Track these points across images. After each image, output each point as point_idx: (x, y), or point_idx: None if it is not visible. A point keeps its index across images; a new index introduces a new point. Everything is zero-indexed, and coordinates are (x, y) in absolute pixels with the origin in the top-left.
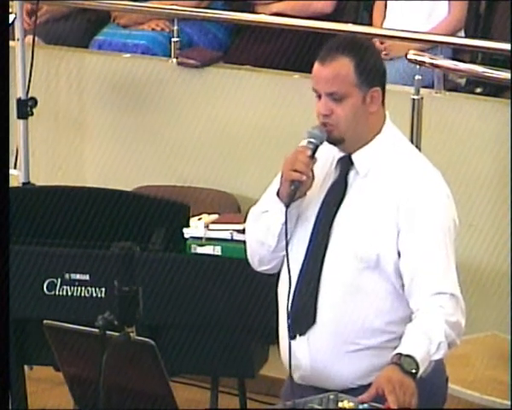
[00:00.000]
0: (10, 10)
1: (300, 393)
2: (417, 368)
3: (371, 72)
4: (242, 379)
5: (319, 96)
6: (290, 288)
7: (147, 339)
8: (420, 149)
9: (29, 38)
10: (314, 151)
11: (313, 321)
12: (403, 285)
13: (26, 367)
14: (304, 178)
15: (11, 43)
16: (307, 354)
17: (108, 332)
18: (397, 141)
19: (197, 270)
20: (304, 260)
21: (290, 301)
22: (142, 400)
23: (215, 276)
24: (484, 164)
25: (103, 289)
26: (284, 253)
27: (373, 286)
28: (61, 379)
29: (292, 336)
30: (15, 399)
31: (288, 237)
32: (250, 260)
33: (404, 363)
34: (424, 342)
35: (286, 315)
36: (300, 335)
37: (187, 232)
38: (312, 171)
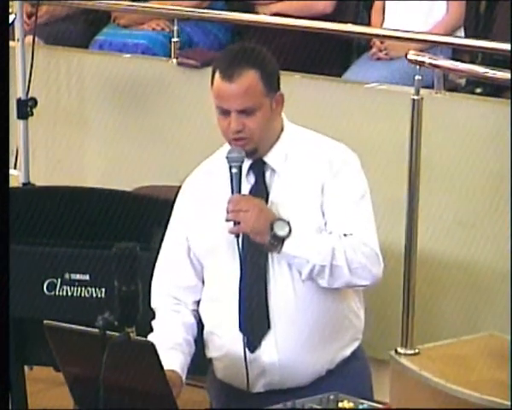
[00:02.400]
0: (10, 10)
1: (261, 401)
2: (289, 232)
3: (274, 78)
4: None
5: (226, 115)
6: (242, 303)
7: (147, 339)
8: (420, 150)
9: (29, 38)
10: (240, 177)
11: (268, 327)
12: None
13: (26, 367)
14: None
15: (11, 43)
16: (276, 356)
17: (108, 332)
18: (300, 132)
19: None
20: (242, 271)
21: (240, 316)
22: (142, 400)
23: None
24: (484, 164)
25: (103, 289)
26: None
27: None
28: (61, 379)
29: (252, 349)
30: (15, 399)
31: (215, 262)
32: None
33: (277, 222)
34: (316, 237)
35: (236, 330)
36: (259, 344)
37: None
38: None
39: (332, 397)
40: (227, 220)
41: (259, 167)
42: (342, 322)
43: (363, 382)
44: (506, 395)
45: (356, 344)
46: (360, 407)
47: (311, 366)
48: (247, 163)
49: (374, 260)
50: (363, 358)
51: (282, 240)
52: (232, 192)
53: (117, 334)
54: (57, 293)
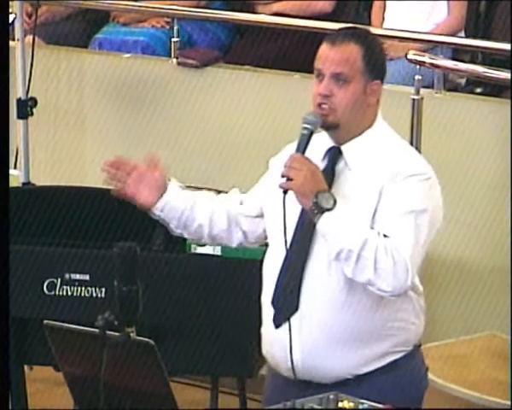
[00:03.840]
0: (10, 10)
1: (291, 389)
2: (332, 206)
3: (377, 64)
4: (242, 379)
5: (320, 78)
6: (280, 278)
7: (147, 339)
8: (420, 149)
9: (29, 38)
10: (308, 139)
11: (296, 308)
12: None
13: (26, 367)
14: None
15: (11, 43)
16: (298, 346)
17: (108, 332)
18: (387, 136)
19: (197, 270)
20: (289, 248)
21: (274, 289)
22: (142, 400)
23: (215, 276)
24: (484, 164)
25: (103, 289)
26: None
27: None
28: (61, 379)
29: (277, 325)
30: (15, 399)
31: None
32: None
33: (324, 193)
34: (355, 223)
35: (270, 304)
36: (284, 322)
37: None
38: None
39: (332, 397)
40: (282, 176)
41: (335, 156)
42: (375, 329)
43: (389, 400)
44: (506, 395)
45: (390, 358)
46: (360, 407)
47: (334, 364)
48: (325, 146)
49: (402, 270)
50: (400, 375)
51: (322, 211)
52: (296, 151)
53: (117, 334)
54: (57, 293)
